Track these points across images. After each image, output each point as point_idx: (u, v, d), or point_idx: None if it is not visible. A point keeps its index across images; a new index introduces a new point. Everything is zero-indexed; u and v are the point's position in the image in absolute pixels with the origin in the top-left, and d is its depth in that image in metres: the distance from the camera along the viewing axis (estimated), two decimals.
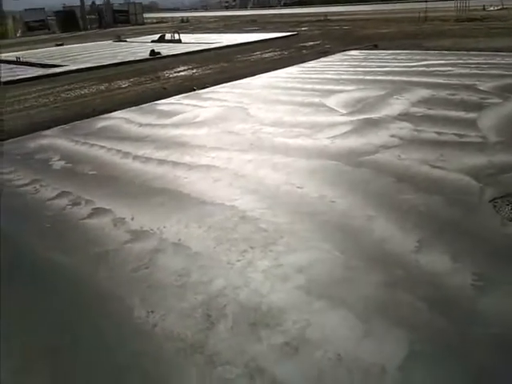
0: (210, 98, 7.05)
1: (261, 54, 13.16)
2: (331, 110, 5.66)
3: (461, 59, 8.68)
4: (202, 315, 2.11)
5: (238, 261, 2.53)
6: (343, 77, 7.85)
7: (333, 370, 1.78)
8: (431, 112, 5.20)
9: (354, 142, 4.41)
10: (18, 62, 13.07)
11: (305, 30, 21.31)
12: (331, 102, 6.08)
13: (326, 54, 11.62)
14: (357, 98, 6.16)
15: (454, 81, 6.72)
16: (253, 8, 62.51)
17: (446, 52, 9.82)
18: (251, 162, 4.06)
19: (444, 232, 2.69)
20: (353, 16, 28.72)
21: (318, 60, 10.55)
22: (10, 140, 5.42)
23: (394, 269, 2.37)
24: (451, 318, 2.00)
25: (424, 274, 2.31)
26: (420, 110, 5.30)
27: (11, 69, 11.67)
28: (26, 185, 3.80)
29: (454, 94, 5.90)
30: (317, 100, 6.21)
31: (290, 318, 2.06)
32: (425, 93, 6.10)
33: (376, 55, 10.40)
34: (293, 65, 9.98)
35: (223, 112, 6.04)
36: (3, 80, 9.30)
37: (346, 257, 2.49)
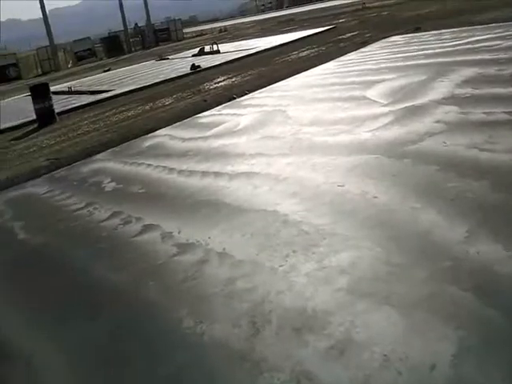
0: (249, 105, 7.14)
1: (298, 53, 13.09)
2: (372, 102, 5.52)
3: (509, 30, 8.09)
4: (247, 323, 2.15)
5: (281, 266, 2.55)
6: (383, 65, 7.62)
7: (380, 372, 1.75)
8: (478, 92, 4.91)
9: (396, 132, 4.27)
10: (69, 92, 14.03)
11: (342, 22, 20.90)
12: (371, 93, 5.92)
13: (364, 44, 11.31)
14: (398, 86, 5.96)
15: (502, 55, 6.29)
16: (289, 7, 62.33)
17: (493, 25, 9.20)
18: (291, 165, 4.06)
19: (495, 219, 2.53)
20: (393, 0, 27.73)
21: (357, 51, 10.31)
22: (66, 167, 5.84)
23: (441, 261, 2.28)
24: (503, 310, 1.89)
25: (474, 265, 2.20)
26: (466, 91, 5.02)
27: (64, 99, 12.54)
28: (82, 208, 4.09)
29: (502, 70, 5.52)
30: (356, 93, 6.08)
31: (334, 321, 2.04)
32: (471, 72, 5.76)
33: (418, 38, 9.98)
34: (330, 60, 9.84)
35: (262, 117, 6.10)
36: (57, 111, 10.01)
37: (389, 253, 2.43)
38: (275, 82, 8.71)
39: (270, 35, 21.62)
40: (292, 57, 12.66)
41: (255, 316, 2.19)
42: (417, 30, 11.70)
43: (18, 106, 13.94)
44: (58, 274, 3.04)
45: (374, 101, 5.56)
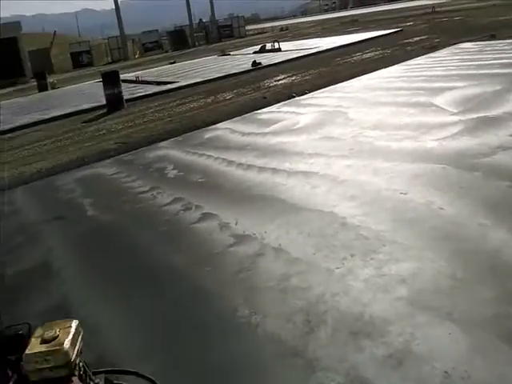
0: (309, 104, 7.10)
1: (361, 55, 12.83)
2: (440, 110, 5.30)
3: None
4: (301, 320, 2.16)
5: (338, 268, 2.52)
6: (454, 72, 7.29)
7: None
8: None
9: (466, 143, 4.07)
10: (137, 81, 14.68)
11: (410, 25, 20.17)
12: (440, 100, 5.69)
13: (433, 49, 10.88)
14: (470, 94, 5.67)
15: None
16: (353, 8, 61.08)
17: None
18: (351, 168, 4.00)
19: None
20: (465, 5, 26.39)
21: (425, 56, 9.94)
22: (132, 151, 6.13)
23: (510, 282, 2.16)
24: None
25: None
26: None
27: (131, 87, 13.16)
28: (146, 192, 4.29)
29: None
30: (423, 99, 5.86)
31: (393, 330, 2.00)
32: None
33: (492, 47, 9.44)
34: (396, 63, 9.55)
35: (322, 117, 6.04)
36: (125, 98, 10.51)
37: (454, 268, 2.33)
38: (336, 83, 8.59)
39: (332, 35, 21.32)
40: (355, 58, 12.43)
41: (310, 315, 2.18)
42: (492, 37, 11.05)
43: (90, 91, 14.79)
44: (123, 251, 3.21)
45: (443, 108, 5.33)
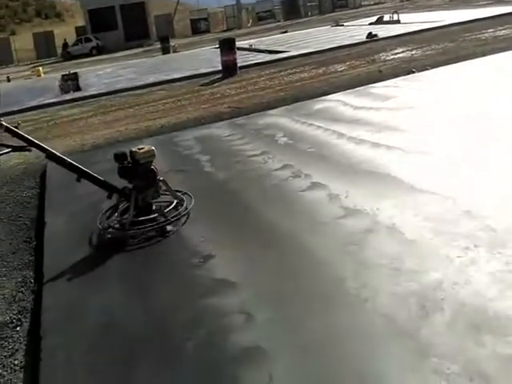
0: (431, 81, 6.57)
1: (494, 31, 11.40)
2: None
3: None
4: (415, 303, 2.05)
5: (459, 257, 2.33)
6: None
7: None
8: None
9: None
10: (250, 49, 14.93)
11: None
12: None
13: None
14: None
15: None
16: None
17: None
18: (477, 153, 3.64)
19: None
20: None
21: None
22: (244, 116, 6.29)
23: None
24: None
25: None
26: None
27: (244, 55, 13.41)
28: (257, 155, 4.38)
29: None
30: None
31: None
32: None
33: None
34: None
35: (445, 96, 5.55)
36: (239, 65, 10.75)
37: None
38: (463, 61, 7.79)
39: (461, 9, 19.22)
40: (486, 35, 11.09)
41: (425, 299, 2.07)
42: None
43: (206, 56, 15.43)
44: (235, 208, 3.36)
45: None
